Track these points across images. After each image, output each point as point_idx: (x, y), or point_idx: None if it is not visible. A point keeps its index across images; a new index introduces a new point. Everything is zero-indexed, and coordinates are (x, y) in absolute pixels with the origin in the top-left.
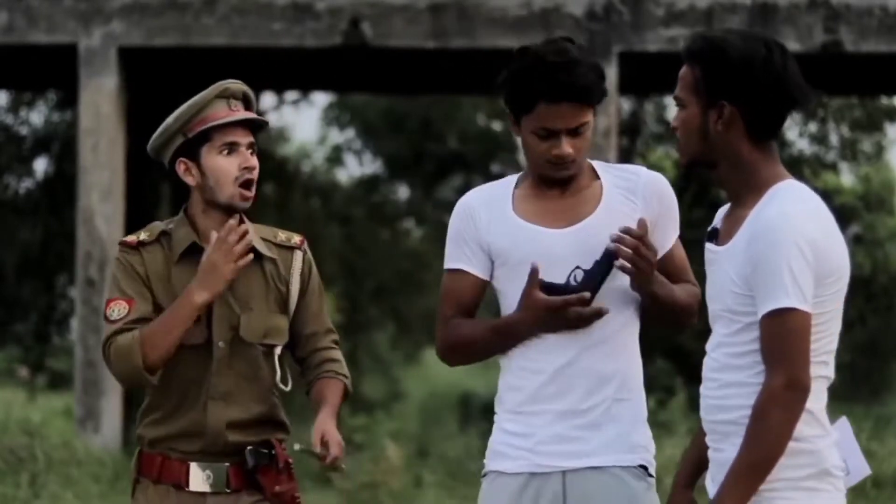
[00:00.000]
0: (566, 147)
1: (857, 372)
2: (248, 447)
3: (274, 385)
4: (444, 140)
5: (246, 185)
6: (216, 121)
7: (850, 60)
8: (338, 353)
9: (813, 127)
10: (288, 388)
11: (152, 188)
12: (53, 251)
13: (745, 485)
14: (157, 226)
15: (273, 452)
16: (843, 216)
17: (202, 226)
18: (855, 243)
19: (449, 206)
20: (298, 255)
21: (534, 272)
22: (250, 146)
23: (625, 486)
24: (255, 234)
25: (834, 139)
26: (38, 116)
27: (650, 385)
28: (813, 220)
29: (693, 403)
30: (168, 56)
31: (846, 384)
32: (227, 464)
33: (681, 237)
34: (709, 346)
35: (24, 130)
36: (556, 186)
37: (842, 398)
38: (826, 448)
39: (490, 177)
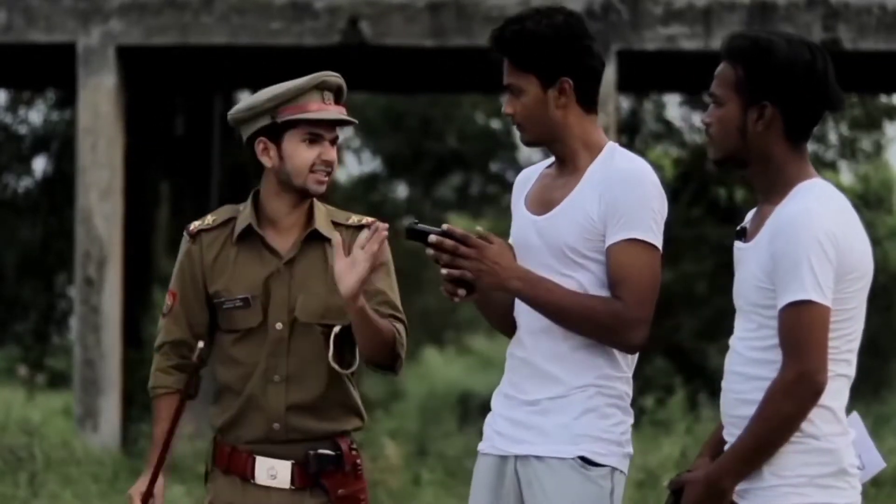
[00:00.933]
0: (505, 105)
1: (857, 370)
2: (312, 451)
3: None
4: (443, 139)
5: (320, 174)
6: (308, 113)
7: (849, 59)
8: (398, 325)
9: None
10: (346, 371)
11: (151, 187)
12: (53, 250)
13: (742, 465)
14: (227, 209)
15: (339, 454)
16: None
17: (272, 207)
18: None
19: (448, 205)
20: (364, 233)
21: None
22: (334, 141)
23: (557, 477)
24: (325, 217)
25: (833, 137)
26: (37, 116)
27: (649, 384)
28: (835, 217)
29: (692, 402)
30: (167, 55)
31: None
32: (291, 461)
33: (676, 236)
34: (732, 340)
35: (23, 129)
36: (557, 163)
37: None
38: (845, 447)
39: (489, 176)
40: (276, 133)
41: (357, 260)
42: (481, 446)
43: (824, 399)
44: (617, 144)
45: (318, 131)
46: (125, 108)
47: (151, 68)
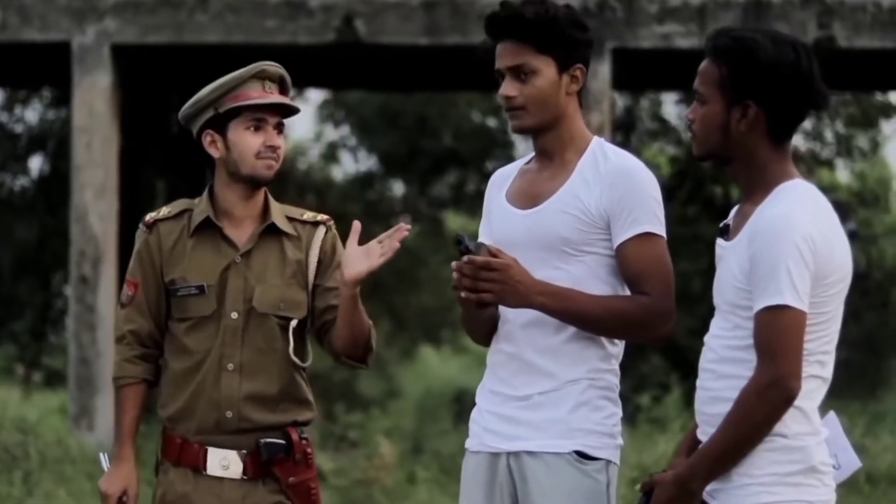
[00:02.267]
0: (506, 87)
1: (853, 368)
2: (262, 440)
3: (291, 359)
4: (438, 137)
5: (268, 160)
6: (248, 100)
7: (844, 56)
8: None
9: (808, 123)
10: (304, 364)
11: (147, 186)
12: (49, 249)
13: (712, 467)
14: (182, 202)
15: (290, 443)
16: (839, 213)
17: (225, 198)
18: (850, 240)
19: (444, 203)
20: (322, 229)
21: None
22: (277, 126)
23: (553, 473)
24: (280, 212)
25: (829, 135)
26: (32, 114)
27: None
28: (814, 220)
29: (688, 400)
30: (161, 53)
31: (842, 381)
32: (243, 451)
33: (672, 234)
34: (707, 337)
35: (19, 128)
36: (540, 157)
37: (837, 395)
38: (815, 445)
39: (485, 174)
40: (220, 124)
41: (372, 251)
42: (470, 444)
43: (797, 400)
44: (603, 140)
45: (260, 117)
46: (120, 106)
47: (146, 67)
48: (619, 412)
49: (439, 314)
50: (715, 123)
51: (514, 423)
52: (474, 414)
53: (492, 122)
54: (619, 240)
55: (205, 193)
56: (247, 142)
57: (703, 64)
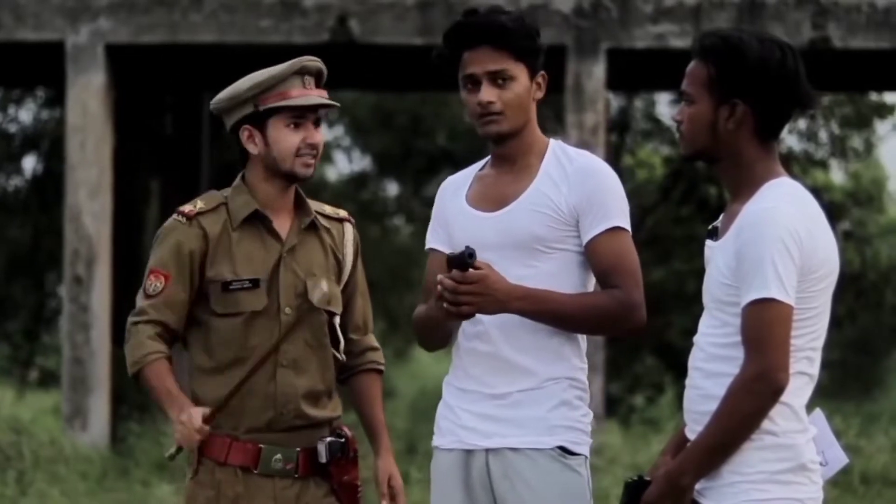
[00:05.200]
0: (486, 93)
1: (847, 369)
2: (324, 438)
3: (333, 354)
4: (432, 137)
5: (306, 158)
6: (290, 100)
7: (839, 56)
8: (374, 340)
9: (802, 124)
10: (344, 360)
11: (141, 185)
12: (43, 249)
13: (703, 461)
14: (215, 195)
15: (345, 440)
16: (833, 213)
17: (263, 193)
18: (844, 240)
19: None
20: (349, 227)
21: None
22: (317, 122)
23: (538, 468)
24: (311, 206)
25: (824, 136)
26: (26, 114)
27: (639, 383)
28: (799, 216)
29: (682, 400)
30: (155, 53)
31: (836, 381)
32: (297, 449)
33: (666, 235)
34: (696, 337)
35: (12, 128)
36: (500, 162)
37: (832, 395)
38: (804, 443)
39: None
40: (259, 120)
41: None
42: (441, 441)
43: (784, 396)
44: (560, 141)
45: (300, 114)
46: (114, 106)
47: (140, 66)
48: (591, 412)
49: None
50: (703, 123)
51: (491, 420)
52: (443, 411)
53: None
54: (589, 235)
55: (238, 184)
56: (287, 139)
57: (691, 65)
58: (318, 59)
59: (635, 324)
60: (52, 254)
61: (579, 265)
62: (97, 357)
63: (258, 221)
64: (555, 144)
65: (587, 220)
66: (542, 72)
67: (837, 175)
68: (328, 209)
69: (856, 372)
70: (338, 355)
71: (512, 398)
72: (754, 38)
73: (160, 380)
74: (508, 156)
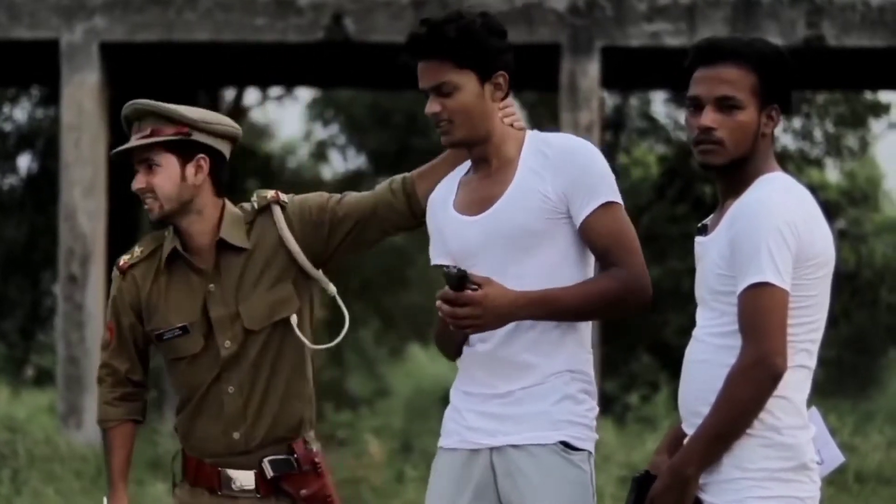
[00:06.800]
0: (430, 105)
1: (843, 367)
2: (266, 458)
3: (303, 357)
4: (428, 135)
5: (146, 201)
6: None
7: (833, 55)
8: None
9: (797, 123)
10: (323, 346)
11: None
12: (38, 248)
13: (705, 451)
14: (155, 237)
15: (295, 457)
16: (828, 211)
17: (182, 231)
18: (839, 239)
19: None
20: (276, 209)
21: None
22: (145, 166)
23: (540, 464)
24: (232, 222)
25: (818, 135)
26: (21, 113)
27: (634, 381)
28: (794, 205)
29: (676, 399)
30: (150, 51)
31: (832, 379)
32: (253, 471)
33: (662, 233)
34: (695, 331)
35: (7, 127)
36: (478, 166)
37: (828, 393)
38: (806, 442)
39: None
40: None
41: None
42: (446, 442)
43: (785, 390)
44: (535, 130)
45: (134, 161)
46: (109, 104)
47: (135, 65)
48: (596, 406)
49: (428, 313)
50: (751, 130)
51: (495, 419)
52: (451, 413)
53: None
54: (582, 215)
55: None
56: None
57: (731, 70)
58: (137, 102)
59: (644, 299)
60: (47, 252)
61: (577, 252)
62: (92, 356)
63: (181, 261)
64: (531, 135)
65: (577, 202)
66: (502, 71)
67: (833, 174)
68: (255, 199)
69: (851, 370)
70: (312, 346)
71: (515, 396)
72: (773, 45)
73: (111, 453)
74: (482, 159)
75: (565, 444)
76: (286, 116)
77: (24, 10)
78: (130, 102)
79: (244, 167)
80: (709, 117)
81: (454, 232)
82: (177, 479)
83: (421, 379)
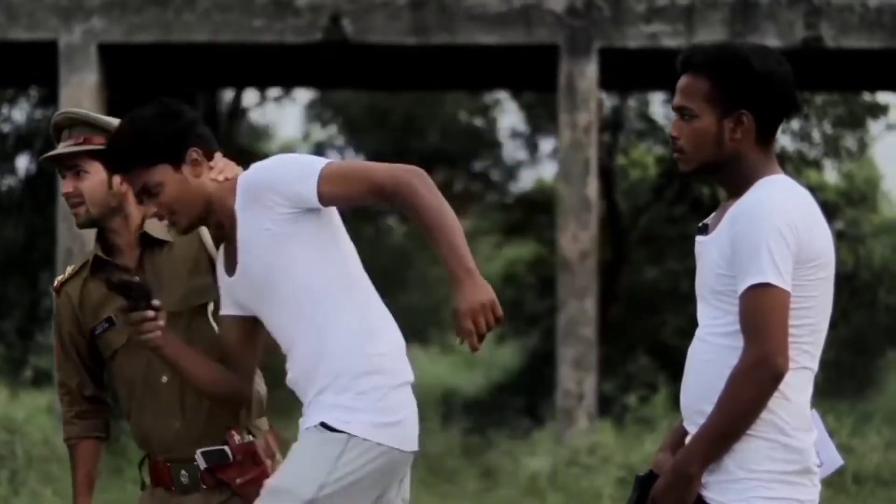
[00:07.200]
0: (151, 208)
1: (841, 368)
2: (198, 451)
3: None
4: (426, 136)
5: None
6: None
7: (831, 56)
8: None
9: (796, 124)
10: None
11: None
12: (37, 248)
13: (708, 450)
14: (83, 256)
15: (226, 449)
16: (826, 212)
17: (107, 235)
18: (838, 240)
19: None
20: None
21: None
22: (72, 171)
23: (300, 442)
24: (152, 223)
25: (817, 136)
26: (20, 113)
27: (632, 382)
28: (794, 206)
29: (676, 400)
30: (148, 52)
31: (830, 380)
32: (195, 463)
33: (660, 234)
34: (698, 330)
35: (6, 128)
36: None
37: (826, 394)
38: (809, 446)
39: (472, 173)
40: None
41: None
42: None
43: (789, 392)
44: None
45: (61, 167)
46: (107, 105)
47: (133, 66)
48: (388, 385)
49: (427, 314)
50: (708, 137)
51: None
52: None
53: (479, 122)
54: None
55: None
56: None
57: (685, 80)
58: (70, 110)
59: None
60: (45, 253)
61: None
62: None
63: (106, 265)
64: (239, 179)
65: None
66: (192, 147)
67: (831, 175)
68: None
69: (849, 371)
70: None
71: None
72: (751, 49)
73: (74, 469)
74: (218, 226)
75: (324, 425)
76: (285, 117)
77: (23, 10)
78: (62, 111)
79: (243, 168)
80: (673, 127)
81: (230, 293)
82: (144, 484)
83: (419, 380)
